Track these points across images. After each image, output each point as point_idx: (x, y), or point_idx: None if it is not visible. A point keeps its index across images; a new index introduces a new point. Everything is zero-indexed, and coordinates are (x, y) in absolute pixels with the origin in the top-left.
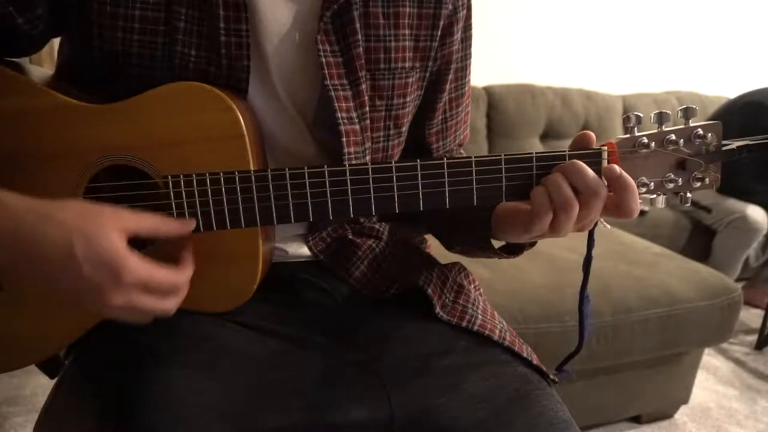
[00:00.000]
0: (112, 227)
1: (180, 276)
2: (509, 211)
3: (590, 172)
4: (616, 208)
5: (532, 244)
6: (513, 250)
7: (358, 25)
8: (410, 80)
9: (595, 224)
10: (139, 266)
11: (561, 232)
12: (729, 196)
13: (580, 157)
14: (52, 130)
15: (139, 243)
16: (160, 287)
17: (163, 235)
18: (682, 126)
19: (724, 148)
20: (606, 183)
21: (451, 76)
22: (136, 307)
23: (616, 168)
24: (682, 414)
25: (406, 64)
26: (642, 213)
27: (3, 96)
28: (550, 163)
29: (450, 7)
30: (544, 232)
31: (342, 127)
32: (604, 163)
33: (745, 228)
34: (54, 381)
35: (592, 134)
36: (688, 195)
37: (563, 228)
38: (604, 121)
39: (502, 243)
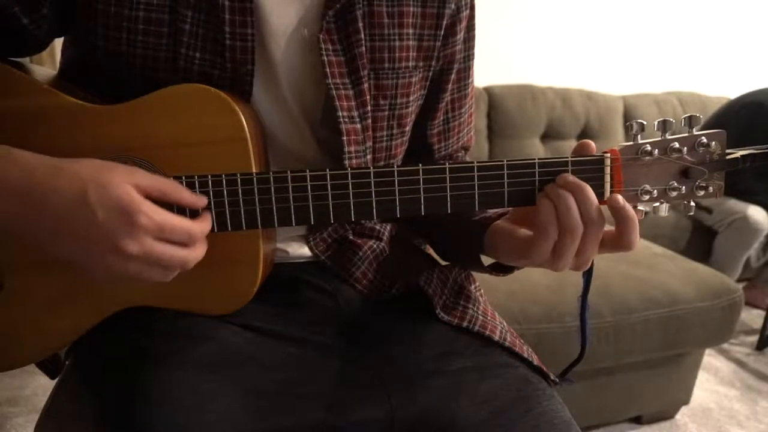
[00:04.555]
0: (126, 180)
1: (196, 225)
2: (505, 234)
3: (595, 200)
4: (616, 239)
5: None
6: (502, 268)
7: (361, 25)
8: (413, 80)
9: None
10: (154, 210)
11: (561, 261)
12: (730, 196)
13: (582, 163)
14: (56, 130)
15: None
16: (176, 234)
17: (173, 200)
18: (685, 134)
19: (728, 157)
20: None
21: (453, 77)
22: (152, 255)
23: (620, 198)
24: (682, 414)
25: (410, 64)
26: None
27: (8, 95)
28: (553, 169)
29: (453, 6)
30: (545, 259)
31: (343, 126)
32: (607, 170)
33: (746, 228)
34: (54, 381)
35: (592, 143)
36: (692, 204)
37: (565, 255)
38: (604, 121)
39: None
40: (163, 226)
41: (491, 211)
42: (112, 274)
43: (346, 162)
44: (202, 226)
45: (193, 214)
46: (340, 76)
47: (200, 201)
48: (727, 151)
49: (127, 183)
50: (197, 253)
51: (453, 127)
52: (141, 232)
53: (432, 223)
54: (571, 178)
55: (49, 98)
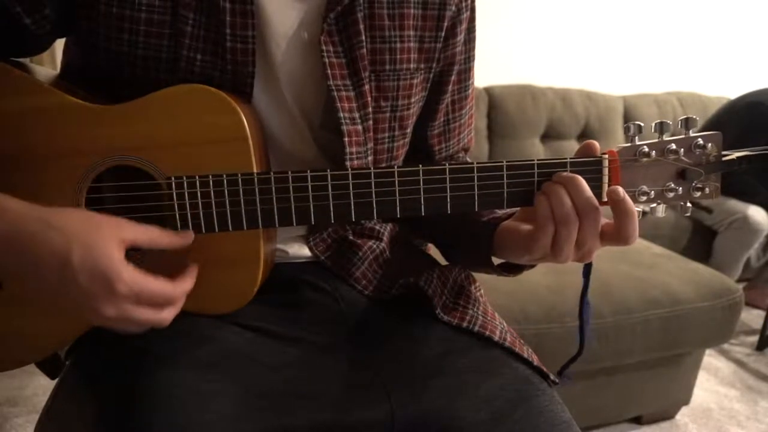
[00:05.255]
0: (111, 237)
1: (176, 288)
2: (511, 231)
3: (587, 190)
4: (615, 232)
5: (532, 265)
6: (511, 268)
7: (362, 27)
8: (415, 81)
9: None
10: (133, 278)
11: (562, 254)
12: (730, 196)
13: (581, 164)
14: (57, 130)
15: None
16: (154, 299)
17: (162, 247)
18: (682, 136)
19: (724, 159)
20: (608, 204)
21: (453, 78)
22: (129, 319)
23: (620, 191)
24: (683, 415)
25: (411, 65)
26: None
27: (9, 95)
28: (552, 170)
29: (453, 8)
30: (546, 252)
31: (344, 127)
32: (605, 171)
33: (746, 229)
34: (54, 382)
35: (596, 143)
36: (688, 204)
37: (564, 248)
38: (604, 121)
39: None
40: (141, 294)
41: (500, 212)
42: (91, 320)
43: (348, 163)
44: (183, 286)
45: (206, 207)
46: (341, 78)
47: (186, 238)
48: (723, 152)
49: (112, 240)
50: (175, 311)
51: (453, 128)
52: (119, 299)
53: (438, 224)
54: (564, 173)
55: (50, 98)
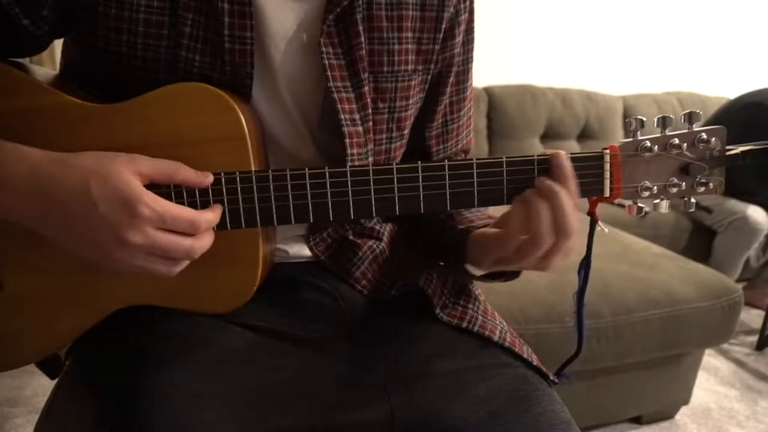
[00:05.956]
0: (128, 167)
1: (200, 215)
2: (480, 234)
3: (569, 211)
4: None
5: (515, 275)
6: (492, 276)
7: (361, 28)
8: (413, 83)
9: (594, 227)
10: (155, 199)
11: (523, 262)
12: (730, 196)
13: (582, 159)
14: (56, 130)
15: None
16: (178, 223)
17: (179, 181)
18: (685, 130)
19: (728, 153)
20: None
21: (452, 79)
22: (155, 245)
23: (561, 154)
24: (682, 415)
25: (409, 67)
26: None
27: (8, 95)
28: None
29: (452, 9)
30: (507, 255)
31: (345, 129)
32: (606, 167)
33: (746, 229)
34: (54, 382)
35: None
36: (692, 200)
37: (527, 258)
38: (604, 121)
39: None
40: (165, 215)
41: (478, 222)
42: (120, 269)
43: (349, 164)
44: (207, 216)
45: (205, 205)
46: (341, 80)
47: (206, 178)
48: (727, 147)
49: (128, 171)
50: (202, 243)
51: (451, 129)
52: (143, 222)
53: (421, 232)
54: (547, 182)
55: (48, 98)
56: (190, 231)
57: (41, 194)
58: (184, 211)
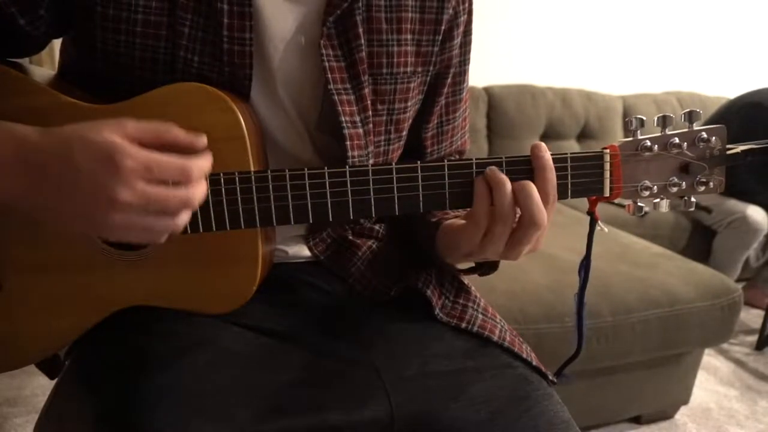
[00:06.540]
0: (112, 130)
1: (189, 158)
2: (446, 227)
3: (509, 196)
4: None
5: (493, 268)
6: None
7: (360, 30)
8: (412, 85)
9: (594, 227)
10: (137, 150)
11: (486, 252)
12: (729, 196)
13: (581, 159)
14: None
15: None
16: (166, 170)
17: (169, 140)
18: (685, 129)
19: (729, 152)
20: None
21: (449, 81)
22: (148, 198)
23: (542, 146)
24: (682, 414)
25: (408, 69)
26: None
27: (6, 96)
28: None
29: (451, 11)
30: (473, 247)
31: (345, 131)
32: (606, 166)
33: (746, 228)
34: (54, 382)
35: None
36: (692, 199)
37: (492, 247)
38: (604, 121)
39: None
40: (149, 163)
41: (452, 213)
42: (121, 237)
43: (347, 165)
44: (199, 161)
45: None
46: (341, 82)
47: (198, 140)
48: (728, 146)
49: (112, 132)
50: (196, 191)
51: (447, 130)
52: (128, 175)
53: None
54: (495, 174)
55: (46, 98)
56: (182, 179)
57: (30, 167)
58: (170, 158)
